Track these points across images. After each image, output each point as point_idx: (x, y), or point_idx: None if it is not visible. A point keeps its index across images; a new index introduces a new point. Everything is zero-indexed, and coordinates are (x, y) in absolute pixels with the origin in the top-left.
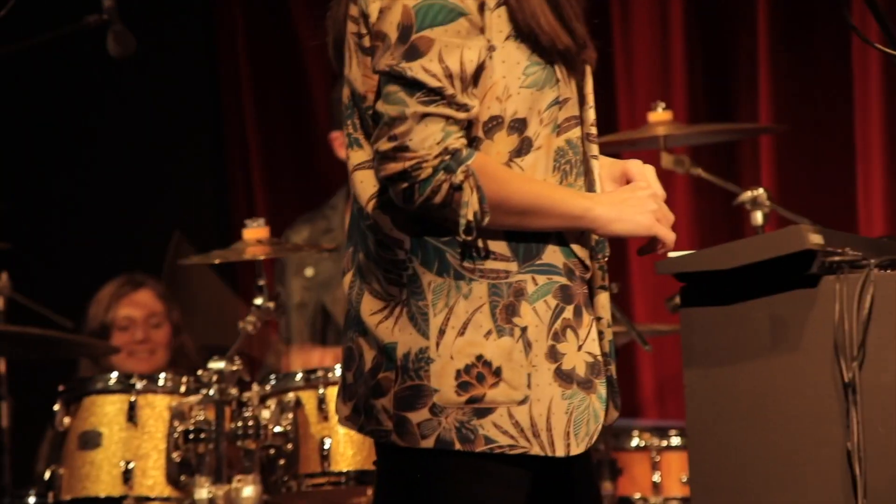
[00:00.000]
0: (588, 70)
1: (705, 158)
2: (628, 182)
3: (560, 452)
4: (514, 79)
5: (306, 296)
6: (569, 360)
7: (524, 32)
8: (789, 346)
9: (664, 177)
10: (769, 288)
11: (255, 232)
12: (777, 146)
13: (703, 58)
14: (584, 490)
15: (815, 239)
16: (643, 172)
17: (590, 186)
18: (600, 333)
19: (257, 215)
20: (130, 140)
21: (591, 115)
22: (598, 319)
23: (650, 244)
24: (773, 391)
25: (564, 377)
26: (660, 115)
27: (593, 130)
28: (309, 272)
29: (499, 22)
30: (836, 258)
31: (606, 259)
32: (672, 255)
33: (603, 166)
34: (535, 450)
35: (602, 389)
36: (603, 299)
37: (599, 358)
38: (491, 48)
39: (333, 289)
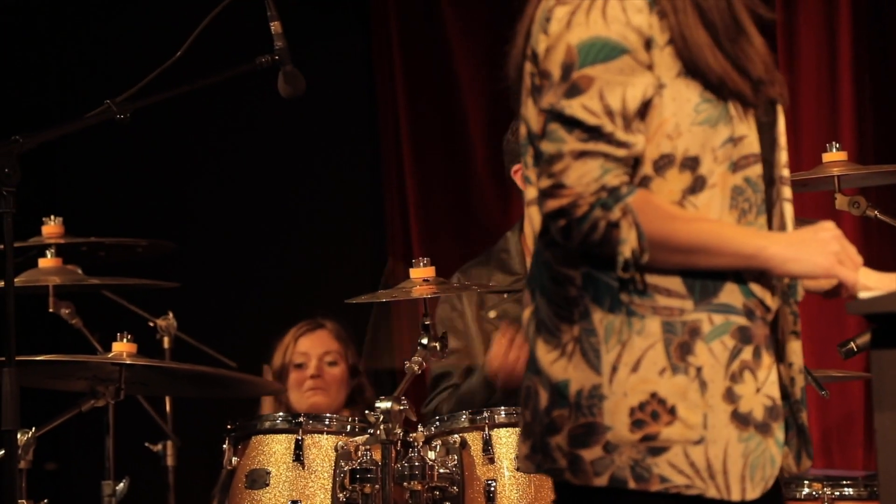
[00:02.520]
0: (780, 110)
1: (871, 200)
2: None
3: (736, 496)
4: (684, 116)
5: (495, 333)
6: (746, 403)
7: (692, 70)
8: None
9: (836, 218)
10: None
11: (421, 272)
12: None
13: (873, 98)
14: None
15: None
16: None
17: (781, 229)
18: (792, 380)
19: (413, 256)
20: (289, 182)
21: (783, 156)
22: (790, 365)
23: (836, 288)
24: None
25: (741, 420)
26: (834, 155)
27: (786, 172)
28: (492, 314)
29: (668, 59)
30: None
31: (798, 303)
32: (863, 295)
33: None
34: (712, 492)
35: (780, 434)
36: (795, 345)
37: (779, 402)
38: (661, 85)
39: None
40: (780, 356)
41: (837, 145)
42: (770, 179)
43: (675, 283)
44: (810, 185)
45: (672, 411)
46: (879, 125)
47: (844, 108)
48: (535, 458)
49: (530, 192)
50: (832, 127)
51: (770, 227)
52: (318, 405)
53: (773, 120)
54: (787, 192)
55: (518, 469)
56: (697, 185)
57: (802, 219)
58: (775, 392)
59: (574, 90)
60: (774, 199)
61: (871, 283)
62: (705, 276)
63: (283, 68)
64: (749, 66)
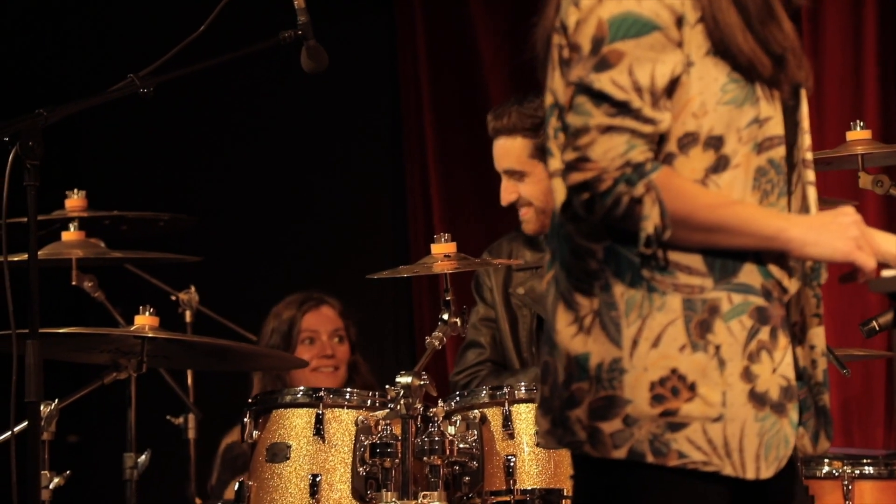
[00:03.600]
0: (803, 94)
1: (895, 178)
2: None
3: (750, 475)
4: (711, 95)
5: (522, 311)
6: (763, 383)
7: (721, 50)
8: None
9: (860, 197)
10: None
11: (442, 247)
12: None
13: None
14: None
15: None
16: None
17: (803, 211)
18: (813, 362)
19: (435, 231)
20: (312, 158)
21: (806, 139)
22: (812, 348)
23: (852, 273)
24: None
25: (758, 399)
26: (858, 133)
27: (809, 156)
28: (520, 290)
29: (698, 38)
30: None
31: (821, 286)
32: (886, 273)
33: None
34: (728, 469)
35: (794, 415)
36: (818, 328)
37: (793, 383)
38: (689, 63)
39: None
40: (801, 339)
41: (861, 124)
42: (792, 162)
43: (696, 260)
44: (834, 164)
45: (692, 388)
46: None
47: (869, 87)
48: (555, 432)
49: (553, 164)
50: (856, 105)
51: (790, 209)
52: (326, 384)
53: (797, 103)
54: (810, 174)
55: (539, 445)
56: (721, 165)
57: (826, 199)
58: (790, 373)
59: (603, 64)
60: (796, 182)
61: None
62: (725, 255)
63: (307, 43)
64: (777, 50)
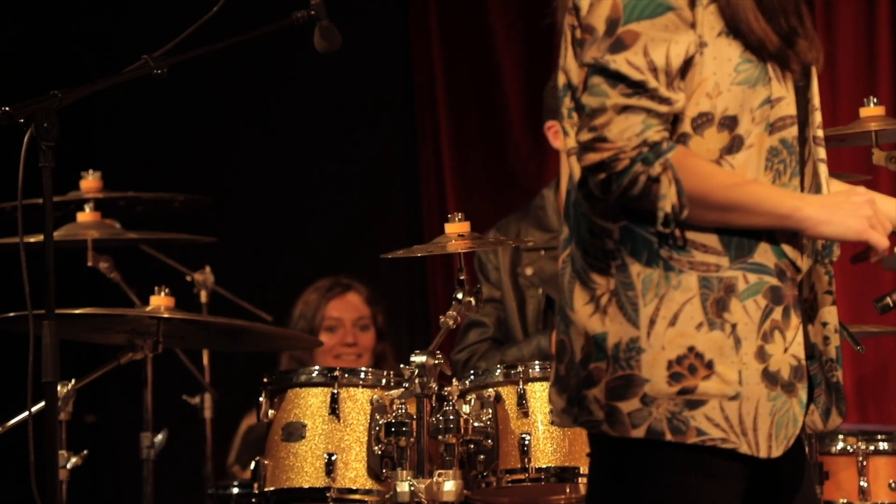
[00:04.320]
0: (814, 72)
1: None
2: None
3: (763, 454)
4: (725, 75)
5: (530, 291)
6: (775, 362)
7: (734, 30)
8: None
9: (873, 173)
10: None
11: (456, 226)
12: None
13: None
14: (793, 497)
15: None
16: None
17: (816, 190)
18: (826, 339)
19: (448, 211)
20: (326, 138)
21: (817, 117)
22: (825, 325)
23: (864, 252)
24: None
25: (770, 378)
26: (872, 109)
27: (820, 133)
28: (529, 271)
29: (711, 18)
30: None
31: (833, 264)
32: None
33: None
34: (744, 448)
35: (803, 394)
36: (830, 305)
37: (803, 362)
38: (702, 44)
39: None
40: (812, 316)
41: (875, 100)
42: (803, 140)
43: (711, 239)
44: (847, 140)
45: (709, 365)
46: None
47: (882, 63)
48: (571, 411)
49: (569, 143)
50: (870, 81)
51: (802, 187)
52: None
53: (808, 83)
54: (821, 152)
55: (553, 423)
56: (735, 145)
57: (841, 174)
58: (801, 352)
59: (619, 45)
60: (807, 160)
61: None
62: (741, 234)
63: (320, 23)
64: (789, 30)
